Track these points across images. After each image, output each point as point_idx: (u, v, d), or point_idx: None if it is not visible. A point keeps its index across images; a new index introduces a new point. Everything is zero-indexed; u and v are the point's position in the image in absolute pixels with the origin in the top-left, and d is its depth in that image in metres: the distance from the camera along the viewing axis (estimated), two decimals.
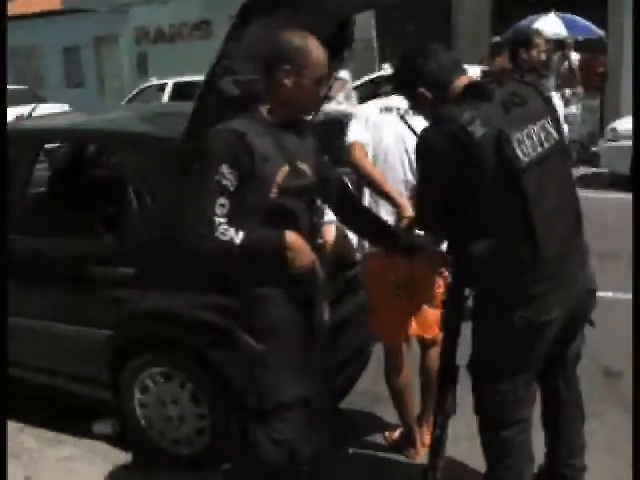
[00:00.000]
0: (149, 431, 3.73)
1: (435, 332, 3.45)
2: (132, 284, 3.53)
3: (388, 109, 3.48)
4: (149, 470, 3.69)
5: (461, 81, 2.66)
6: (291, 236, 2.54)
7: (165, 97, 14.96)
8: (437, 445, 2.95)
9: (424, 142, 2.62)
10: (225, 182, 2.45)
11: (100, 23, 22.67)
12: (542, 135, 2.61)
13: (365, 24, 14.98)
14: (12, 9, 24.32)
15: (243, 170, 2.47)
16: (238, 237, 2.43)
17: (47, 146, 4.99)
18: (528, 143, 2.53)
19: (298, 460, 2.77)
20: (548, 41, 5.62)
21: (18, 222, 3.86)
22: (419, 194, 2.85)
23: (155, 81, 16.50)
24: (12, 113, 10.14)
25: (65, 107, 14.45)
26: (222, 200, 2.44)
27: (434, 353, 3.53)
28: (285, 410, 2.65)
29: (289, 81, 2.55)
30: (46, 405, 4.18)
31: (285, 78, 2.55)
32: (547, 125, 2.65)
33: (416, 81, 2.67)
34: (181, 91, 14.46)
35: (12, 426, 4.09)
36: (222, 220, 2.43)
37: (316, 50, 2.58)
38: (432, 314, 3.48)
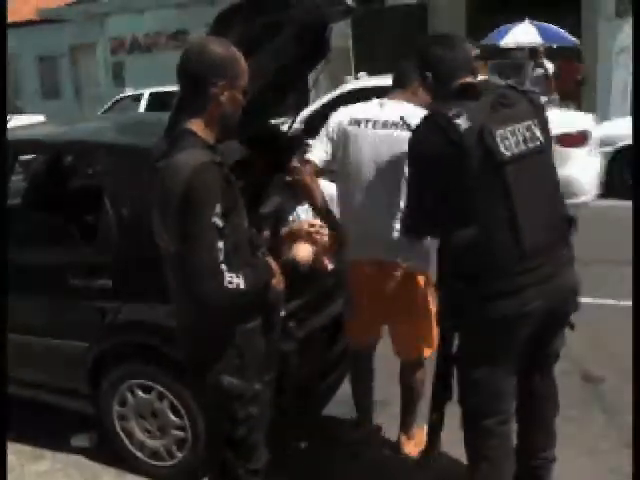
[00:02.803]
0: (129, 443, 3.70)
1: (416, 353, 3.51)
2: (110, 295, 3.50)
3: (357, 121, 3.40)
4: None
5: (462, 80, 2.81)
6: (273, 263, 2.55)
7: (141, 107, 14.89)
8: (433, 430, 3.11)
9: (415, 134, 2.80)
10: (219, 223, 2.26)
11: (76, 32, 22.55)
12: (527, 134, 2.70)
13: (342, 32, 15.01)
14: None
15: (228, 204, 2.31)
16: (242, 282, 2.30)
17: (22, 157, 4.96)
18: (512, 139, 2.64)
19: None
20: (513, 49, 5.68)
21: None
22: (409, 186, 2.91)
23: (131, 91, 16.44)
24: None
25: (41, 118, 14.35)
26: (220, 244, 2.26)
27: (418, 373, 3.58)
28: (261, 441, 2.64)
29: (224, 96, 2.39)
30: (24, 419, 4.13)
31: (220, 94, 2.38)
32: (533, 127, 2.74)
33: (427, 65, 2.86)
34: (158, 101, 14.42)
35: None
36: (224, 267, 2.26)
37: (241, 58, 2.44)
38: (410, 334, 3.50)
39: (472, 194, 2.63)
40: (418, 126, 2.81)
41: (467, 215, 2.65)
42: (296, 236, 3.68)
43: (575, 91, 13.21)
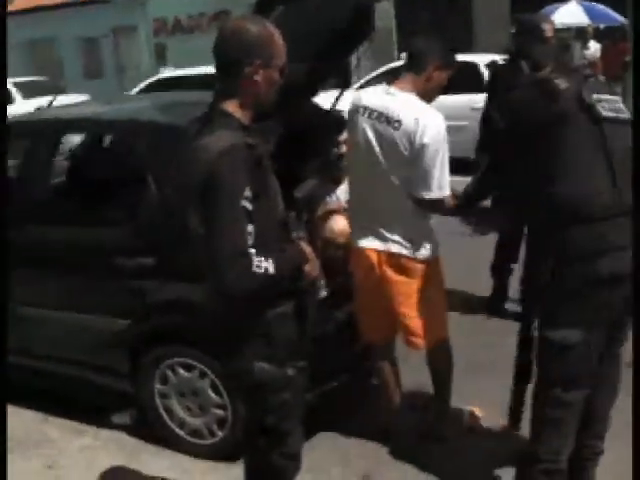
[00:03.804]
0: (169, 421, 3.74)
1: (422, 340, 3.43)
2: (152, 274, 3.53)
3: (357, 110, 3.31)
4: (169, 461, 3.70)
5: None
6: (305, 247, 2.51)
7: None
8: (517, 405, 3.12)
9: (516, 93, 2.93)
10: (249, 206, 2.21)
11: (119, 14, 22.74)
12: (614, 105, 2.82)
13: (385, 13, 14.89)
14: (31, 1, 24.48)
15: (257, 188, 2.27)
16: (271, 266, 2.24)
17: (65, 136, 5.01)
18: (602, 104, 2.78)
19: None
20: (559, 30, 5.59)
21: (38, 212, 3.87)
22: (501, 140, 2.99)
23: (171, 72, 16.49)
24: (34, 104, 10.26)
25: (84, 98, 14.49)
26: (250, 228, 2.21)
27: (435, 355, 3.54)
28: (295, 426, 2.63)
29: (259, 76, 2.34)
30: (67, 396, 4.20)
31: (255, 74, 2.33)
32: (619, 102, 2.86)
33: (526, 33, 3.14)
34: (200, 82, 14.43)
35: (35, 416, 4.14)
36: (253, 251, 2.21)
37: (278, 36, 2.38)
38: (417, 322, 3.41)
39: (571, 148, 2.71)
40: (519, 85, 2.96)
41: (564, 168, 2.70)
42: (334, 213, 3.68)
43: (621, 73, 12.94)
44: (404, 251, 3.30)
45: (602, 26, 12.51)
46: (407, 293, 3.34)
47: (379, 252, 3.33)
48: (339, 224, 3.65)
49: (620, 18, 12.90)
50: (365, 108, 3.28)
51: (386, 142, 3.19)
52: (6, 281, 3.19)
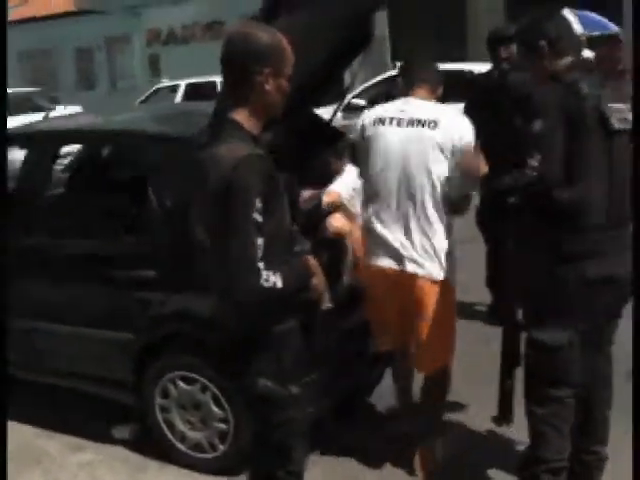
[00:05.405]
0: (170, 435, 3.69)
1: (434, 366, 3.40)
2: (154, 286, 3.49)
3: (382, 120, 3.27)
4: (170, 475, 3.65)
5: (574, 56, 2.98)
6: (312, 261, 2.47)
7: (178, 98, 14.97)
8: (506, 398, 3.22)
9: (544, 94, 2.94)
10: (259, 218, 2.16)
11: (112, 24, 22.74)
12: (624, 116, 2.87)
13: (378, 21, 14.91)
14: (26, 11, 24.48)
15: (268, 200, 2.22)
16: (278, 280, 2.19)
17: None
18: (616, 116, 2.83)
19: None
20: None
21: (37, 223, 3.83)
22: (544, 146, 2.90)
23: (167, 82, 16.53)
24: (29, 118, 10.15)
25: (78, 109, 14.48)
26: (259, 240, 2.17)
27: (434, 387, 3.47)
28: (300, 443, 2.57)
29: (269, 85, 2.30)
30: (68, 410, 4.15)
31: (265, 82, 2.29)
32: (627, 111, 2.90)
33: (546, 35, 2.94)
34: (194, 92, 14.47)
35: (33, 431, 4.09)
36: (262, 264, 2.17)
37: (287, 45, 2.35)
38: (425, 349, 3.35)
39: (583, 154, 2.76)
40: (543, 89, 2.98)
41: (573, 173, 2.75)
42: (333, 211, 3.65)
43: (616, 81, 12.96)
44: (420, 271, 3.21)
45: (596, 34, 12.52)
46: (423, 314, 3.30)
47: (398, 272, 3.24)
48: (337, 222, 3.58)
49: (614, 27, 12.93)
50: (392, 118, 3.25)
51: (424, 144, 3.17)
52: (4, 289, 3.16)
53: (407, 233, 3.21)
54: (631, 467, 2.71)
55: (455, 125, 3.20)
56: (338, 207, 3.71)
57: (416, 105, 3.28)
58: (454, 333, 3.44)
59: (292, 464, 2.55)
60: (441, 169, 3.16)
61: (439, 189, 3.17)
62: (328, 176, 3.84)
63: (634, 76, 3.43)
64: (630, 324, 2.92)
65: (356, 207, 3.70)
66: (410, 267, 3.21)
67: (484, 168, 3.15)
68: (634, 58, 3.52)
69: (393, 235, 3.23)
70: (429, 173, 3.16)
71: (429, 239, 3.20)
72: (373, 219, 3.30)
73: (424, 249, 3.20)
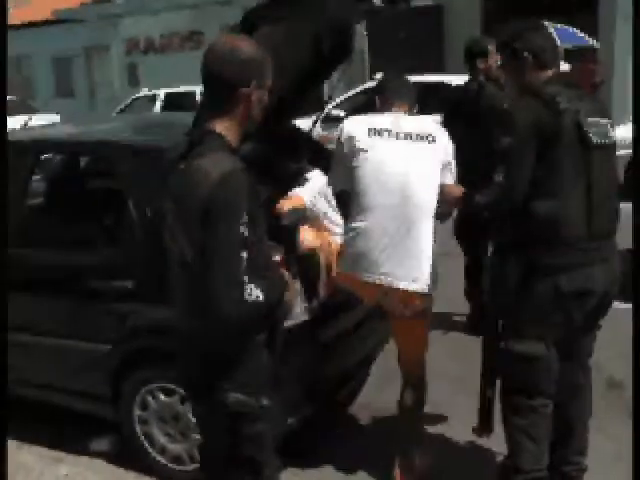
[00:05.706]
0: (150, 447, 3.67)
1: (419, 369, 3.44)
2: (132, 297, 3.48)
3: (378, 132, 3.21)
4: None
5: (555, 69, 3.01)
6: (287, 275, 2.47)
7: (157, 108, 14.94)
8: (486, 408, 3.25)
9: (517, 109, 2.94)
10: (245, 232, 2.14)
11: (91, 33, 22.65)
12: (604, 130, 2.91)
13: (358, 34, 14.97)
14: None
15: (251, 212, 2.19)
16: (261, 294, 2.17)
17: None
18: (595, 130, 2.85)
19: None
20: None
21: (16, 234, 3.80)
22: (509, 163, 2.94)
23: (146, 92, 16.48)
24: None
25: (55, 117, 14.40)
26: (244, 254, 2.14)
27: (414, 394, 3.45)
28: (270, 457, 2.52)
29: (254, 96, 2.30)
30: (45, 422, 4.11)
31: (251, 94, 2.29)
32: (609, 125, 2.96)
33: (529, 47, 2.95)
34: (173, 102, 14.45)
35: (11, 444, 4.03)
36: (246, 278, 2.15)
37: (268, 57, 2.35)
38: (412, 353, 3.41)
39: (560, 169, 2.79)
40: (519, 101, 2.98)
41: (550, 188, 2.80)
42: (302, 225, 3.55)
43: (591, 93, 13.06)
44: (410, 286, 3.16)
45: (571, 47, 12.64)
46: (407, 330, 3.36)
47: (385, 287, 3.19)
48: (307, 237, 3.48)
49: (588, 40, 13.07)
50: (388, 131, 3.22)
51: (425, 157, 3.19)
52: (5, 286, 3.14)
53: (398, 246, 3.14)
54: (620, 473, 2.74)
55: (447, 141, 3.27)
56: (304, 215, 3.56)
57: (408, 119, 3.30)
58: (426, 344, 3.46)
59: (265, 479, 2.49)
60: (438, 182, 3.21)
61: (436, 201, 3.20)
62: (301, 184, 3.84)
63: (634, 76, 3.49)
64: (608, 332, 2.97)
65: (320, 211, 3.63)
66: (402, 284, 3.15)
67: (459, 192, 3.27)
68: (634, 61, 3.58)
69: (381, 247, 3.15)
70: (429, 186, 3.18)
71: (420, 252, 3.16)
72: (360, 231, 3.19)
73: (413, 264, 3.15)
